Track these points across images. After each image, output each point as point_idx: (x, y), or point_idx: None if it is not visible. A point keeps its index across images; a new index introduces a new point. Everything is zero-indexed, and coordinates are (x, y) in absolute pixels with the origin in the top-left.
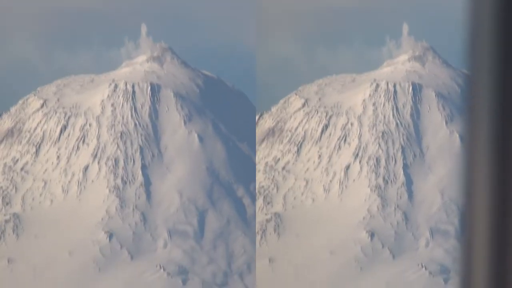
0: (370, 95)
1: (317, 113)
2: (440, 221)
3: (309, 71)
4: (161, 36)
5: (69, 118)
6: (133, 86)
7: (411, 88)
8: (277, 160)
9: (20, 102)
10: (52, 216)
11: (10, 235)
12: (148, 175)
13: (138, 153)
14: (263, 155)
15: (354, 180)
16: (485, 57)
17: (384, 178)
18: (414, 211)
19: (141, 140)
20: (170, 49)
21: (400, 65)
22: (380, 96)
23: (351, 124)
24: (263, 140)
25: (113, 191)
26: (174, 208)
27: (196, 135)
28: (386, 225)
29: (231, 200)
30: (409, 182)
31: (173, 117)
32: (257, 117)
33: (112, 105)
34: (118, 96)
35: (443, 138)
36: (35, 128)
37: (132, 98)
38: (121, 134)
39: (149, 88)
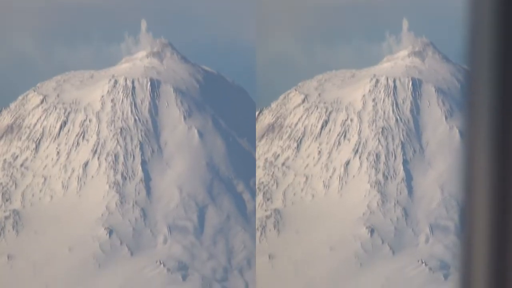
0: (370, 90)
1: (317, 108)
2: (440, 217)
3: (309, 66)
4: (161, 32)
5: (69, 114)
6: (133, 82)
7: (411, 83)
8: (276, 156)
9: (20, 98)
10: (52, 212)
11: (10, 231)
12: (148, 171)
13: (138, 149)
14: (263, 151)
15: (354, 176)
16: (485, 53)
17: (384, 174)
18: (414, 207)
19: (141, 135)
20: (170, 44)
21: (400, 60)
22: (379, 92)
23: (351, 120)
24: (262, 136)
25: (113, 187)
26: (174, 203)
27: (196, 131)
28: (386, 221)
29: (231, 196)
30: (409, 178)
31: (173, 113)
32: (256, 113)
33: (112, 100)
34: (118, 92)
35: (443, 133)
36: (35, 124)
37: (132, 94)
38: (121, 129)
39: (149, 83)
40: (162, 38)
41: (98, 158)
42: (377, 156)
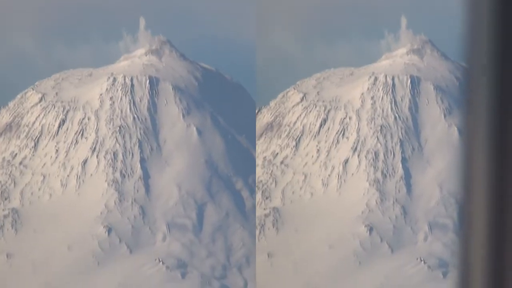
0: (368, 88)
1: (316, 107)
2: (439, 215)
3: (307, 65)
4: (160, 29)
5: (67, 112)
6: (131, 80)
7: (409, 81)
8: (275, 155)
9: (19, 96)
10: (51, 210)
11: (9, 230)
12: (147, 169)
13: (136, 147)
14: (262, 149)
15: (352, 174)
16: (483, 50)
17: (382, 172)
18: (412, 205)
19: (140, 133)
20: (169, 42)
21: (398, 58)
22: (378, 90)
23: (350, 118)
24: (261, 135)
25: (112, 185)
26: (173, 201)
27: (194, 128)
28: (385, 219)
29: (230, 193)
30: (407, 176)
31: (171, 111)
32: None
33: (111, 98)
34: (117, 90)
35: (442, 131)
36: (34, 122)
37: (131, 92)
38: (120, 127)
39: (147, 81)
40: (161, 36)
41: (97, 156)
42: (376, 154)
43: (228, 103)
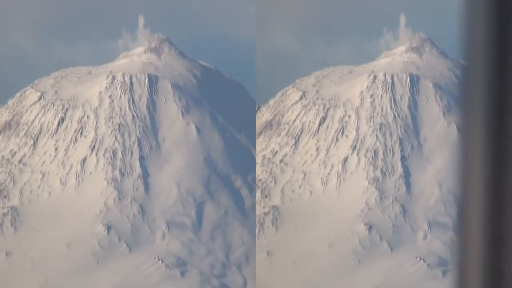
0: (367, 86)
1: (315, 105)
2: (438, 213)
3: (306, 63)
4: (159, 27)
5: (66, 110)
6: (130, 78)
7: (408, 79)
8: (274, 153)
9: (18, 94)
10: (50, 208)
11: (8, 228)
12: (146, 167)
13: (136, 145)
14: (261, 148)
15: (352, 172)
16: (482, 48)
17: (382, 171)
18: (412, 204)
19: (139, 131)
20: (168, 40)
21: (397, 56)
22: (377, 88)
23: (349, 117)
24: (260, 133)
25: (111, 183)
26: (172, 199)
27: (193, 127)
28: (384, 217)
29: (229, 191)
30: (407, 174)
31: (170, 109)
32: None
33: (110, 97)
34: (116, 88)
35: (441, 129)
36: (33, 121)
37: (130, 90)
38: (119, 126)
39: (146, 79)
40: (160, 34)
41: (96, 154)
42: (375, 152)
43: (227, 101)
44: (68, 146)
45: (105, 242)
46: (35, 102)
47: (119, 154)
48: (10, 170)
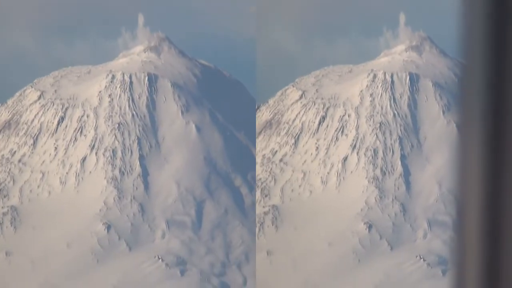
0: (367, 85)
1: (314, 104)
2: (438, 212)
3: (306, 62)
4: (158, 26)
5: (66, 109)
6: (130, 77)
7: (408, 78)
8: (274, 153)
9: (17, 94)
10: (50, 208)
11: (8, 227)
12: (145, 166)
13: (135, 144)
14: (261, 147)
15: (351, 171)
16: (481, 47)
17: (381, 170)
18: (412, 202)
19: (139, 130)
20: (168, 39)
21: (397, 55)
22: (377, 87)
23: (349, 116)
24: (260, 133)
25: (111, 182)
26: (172, 198)
27: (193, 125)
28: (384, 216)
29: (229, 190)
30: (406, 173)
31: (170, 108)
32: None
33: (110, 96)
34: (116, 87)
35: (441, 128)
36: (33, 120)
37: (130, 89)
38: (119, 125)
39: (146, 78)
40: (160, 33)
41: (96, 153)
42: (375, 151)
43: (227, 100)
44: (68, 145)
45: (105, 241)
46: (35, 101)
47: (119, 153)
48: (9, 170)
